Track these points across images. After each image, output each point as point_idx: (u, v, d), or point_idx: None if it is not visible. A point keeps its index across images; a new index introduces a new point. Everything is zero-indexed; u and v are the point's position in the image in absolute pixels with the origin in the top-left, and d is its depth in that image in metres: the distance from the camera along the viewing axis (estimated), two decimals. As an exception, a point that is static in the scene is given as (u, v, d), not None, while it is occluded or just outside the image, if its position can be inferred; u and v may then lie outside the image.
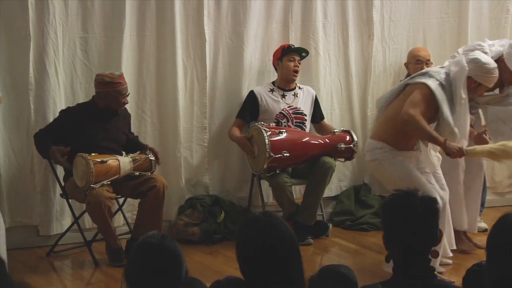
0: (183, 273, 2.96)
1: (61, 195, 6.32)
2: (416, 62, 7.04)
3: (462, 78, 5.54)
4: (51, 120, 6.26)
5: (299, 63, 6.79)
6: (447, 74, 5.58)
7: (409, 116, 5.42)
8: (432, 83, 5.51)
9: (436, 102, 5.48)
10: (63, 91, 6.44)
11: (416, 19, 7.46)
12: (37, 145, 6.14)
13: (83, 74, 6.44)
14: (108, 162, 5.92)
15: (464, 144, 5.57)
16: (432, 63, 7.00)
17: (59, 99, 6.40)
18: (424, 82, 5.53)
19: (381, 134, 5.65)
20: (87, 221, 6.48)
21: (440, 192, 5.56)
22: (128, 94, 6.18)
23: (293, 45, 6.82)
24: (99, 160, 5.87)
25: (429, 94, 5.49)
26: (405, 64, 7.23)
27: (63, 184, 6.21)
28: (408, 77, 6.01)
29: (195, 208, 6.71)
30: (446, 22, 7.51)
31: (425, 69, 5.99)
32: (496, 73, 5.62)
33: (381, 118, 5.78)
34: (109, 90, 6.06)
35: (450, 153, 5.49)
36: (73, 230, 6.32)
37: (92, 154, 5.90)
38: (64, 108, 6.27)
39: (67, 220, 6.47)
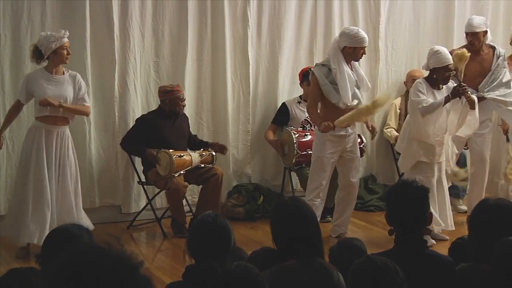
0: (232, 244, 2.97)
1: (138, 182, 6.37)
2: (412, 81, 6.94)
3: (332, 51, 5.47)
4: (131, 124, 6.29)
5: None
6: None
7: (306, 110, 5.64)
8: (316, 70, 5.51)
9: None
10: (140, 102, 6.48)
11: (413, 47, 7.40)
12: (131, 151, 6.13)
13: (155, 90, 6.45)
14: (184, 156, 5.94)
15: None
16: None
17: (137, 108, 6.44)
18: (312, 70, 5.57)
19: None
20: (157, 202, 6.52)
21: (323, 183, 5.58)
22: (185, 99, 6.19)
23: (310, 69, 6.69)
24: (178, 155, 5.89)
25: (316, 79, 5.48)
26: (404, 82, 7.16)
27: (145, 173, 6.19)
28: None
29: (240, 193, 6.71)
30: (436, 50, 7.41)
31: None
32: (361, 34, 5.41)
33: None
34: (171, 96, 6.07)
35: (321, 130, 5.42)
36: (147, 209, 6.35)
37: (170, 150, 5.90)
38: (139, 115, 6.30)
39: (143, 201, 6.50)
